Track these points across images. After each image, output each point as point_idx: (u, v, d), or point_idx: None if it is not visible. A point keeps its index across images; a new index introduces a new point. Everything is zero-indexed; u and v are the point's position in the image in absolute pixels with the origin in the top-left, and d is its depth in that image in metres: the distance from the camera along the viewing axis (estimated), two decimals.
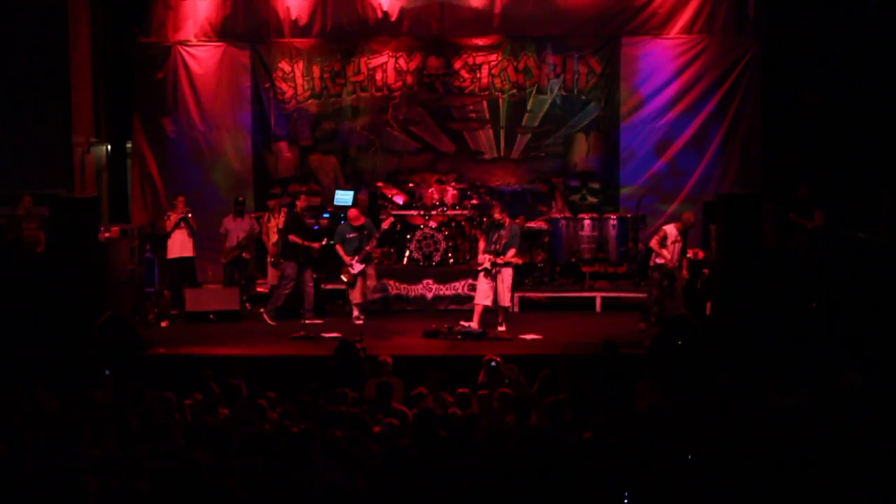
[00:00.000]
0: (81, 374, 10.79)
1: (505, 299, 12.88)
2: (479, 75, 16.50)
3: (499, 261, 12.72)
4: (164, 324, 13.91)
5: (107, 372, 10.51)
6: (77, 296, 12.09)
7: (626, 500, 6.31)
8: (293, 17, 16.43)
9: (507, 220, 13.02)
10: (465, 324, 12.71)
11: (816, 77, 15.64)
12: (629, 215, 15.09)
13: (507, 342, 12.30)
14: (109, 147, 17.21)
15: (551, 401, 8.74)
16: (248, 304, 14.70)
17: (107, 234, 13.49)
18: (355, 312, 13.70)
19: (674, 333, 11.24)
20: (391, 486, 6.65)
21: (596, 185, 16.44)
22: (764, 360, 10.68)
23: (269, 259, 14.61)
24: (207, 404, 9.08)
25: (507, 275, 12.81)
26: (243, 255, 14.80)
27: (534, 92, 16.44)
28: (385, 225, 14.00)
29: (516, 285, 13.61)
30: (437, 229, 14.89)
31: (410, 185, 15.99)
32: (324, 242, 13.89)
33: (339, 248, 13.75)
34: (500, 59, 16.45)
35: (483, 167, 16.58)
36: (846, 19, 15.40)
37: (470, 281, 14.06)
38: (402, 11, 16.31)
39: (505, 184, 16.38)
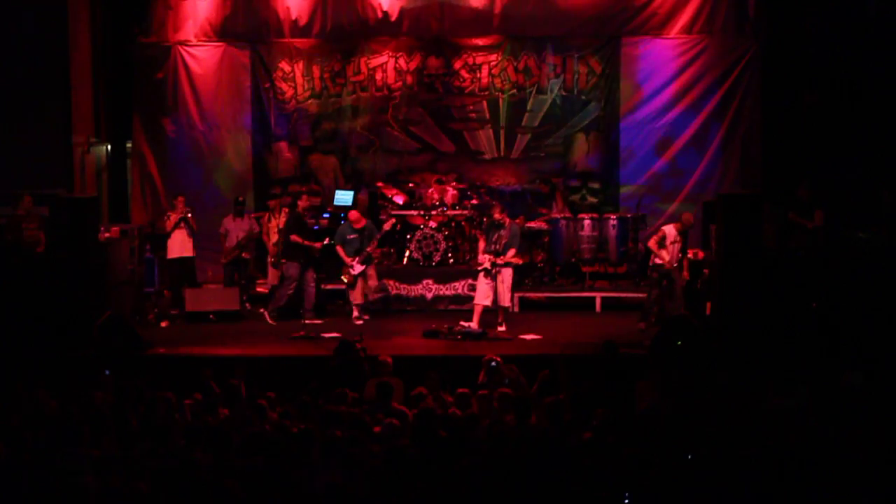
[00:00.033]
0: (81, 374, 10.80)
1: (505, 299, 12.87)
2: (479, 75, 16.49)
3: (499, 261, 12.72)
4: (164, 324, 13.91)
5: (107, 372, 10.51)
6: (77, 296, 12.09)
7: (626, 501, 6.30)
8: (293, 17, 16.43)
9: (507, 220, 13.01)
10: (465, 324, 12.71)
11: (816, 77, 15.64)
12: (629, 215, 15.09)
13: (507, 342, 12.30)
14: (109, 147, 17.21)
15: (551, 401, 8.74)
16: (248, 304, 14.70)
17: (107, 234, 13.49)
18: (355, 313, 13.70)
19: (674, 333, 11.24)
20: (391, 486, 6.64)
21: (596, 185, 16.44)
22: (764, 360, 10.68)
23: (269, 259, 14.61)
24: (207, 404, 9.08)
25: (507, 275, 12.81)
26: (243, 255, 14.81)
27: (534, 92, 16.44)
28: (387, 226, 14.00)
29: (516, 285, 13.61)
30: (437, 229, 14.89)
31: (410, 185, 15.99)
32: (325, 242, 13.89)
33: (339, 249, 13.76)
34: (500, 59, 16.45)
35: (483, 167, 16.58)
36: (846, 19, 15.40)
37: (470, 281, 14.06)
38: (402, 11, 16.31)
39: (505, 184, 16.38)
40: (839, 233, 12.70)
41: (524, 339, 12.51)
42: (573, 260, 15.02)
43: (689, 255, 13.05)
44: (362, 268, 13.64)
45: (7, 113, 15.56)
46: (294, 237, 13.73)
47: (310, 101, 16.75)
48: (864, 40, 15.14)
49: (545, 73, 16.40)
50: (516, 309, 14.22)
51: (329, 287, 14.42)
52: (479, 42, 16.44)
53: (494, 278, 12.72)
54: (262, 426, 8.11)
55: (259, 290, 15.17)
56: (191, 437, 7.81)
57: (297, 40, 16.56)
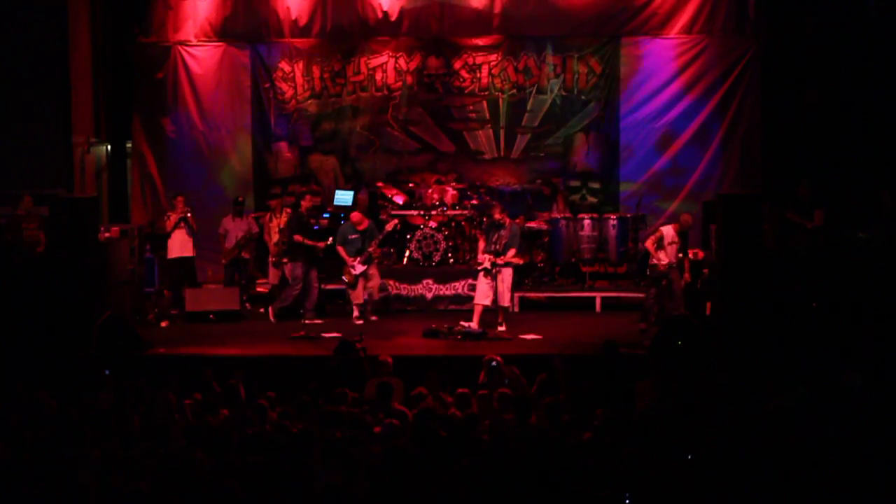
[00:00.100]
0: (81, 374, 10.80)
1: (504, 299, 12.87)
2: (479, 75, 16.50)
3: (499, 261, 12.72)
4: (164, 324, 13.91)
5: (107, 372, 10.51)
6: (77, 296, 12.09)
7: (626, 501, 6.30)
8: (293, 17, 16.44)
9: (507, 221, 13.01)
10: (465, 324, 12.71)
11: (816, 77, 15.64)
12: (629, 215, 15.09)
13: (507, 342, 12.30)
14: (109, 147, 17.21)
15: (549, 401, 8.74)
16: (248, 304, 14.71)
17: (107, 234, 13.50)
18: (356, 313, 13.70)
19: (674, 333, 11.25)
20: (391, 486, 6.64)
21: (596, 185, 16.45)
22: (764, 360, 10.67)
23: (270, 259, 14.61)
24: (208, 404, 9.09)
25: (506, 275, 12.81)
26: (243, 254, 14.81)
27: (534, 92, 16.44)
28: (388, 227, 14.01)
29: (516, 285, 13.62)
30: (437, 229, 14.89)
31: (410, 185, 15.99)
32: (328, 242, 13.90)
33: (340, 249, 13.76)
34: (500, 59, 16.45)
35: (483, 167, 16.58)
36: (846, 19, 15.40)
37: (470, 281, 14.06)
38: (402, 11, 16.32)
39: (505, 184, 16.38)
40: (839, 233, 12.69)
41: (524, 339, 12.51)
42: (573, 260, 15.02)
43: (690, 255, 13.05)
44: (363, 268, 13.64)
45: (7, 113, 15.56)
46: (297, 237, 13.75)
47: (310, 101, 16.75)
48: (864, 40, 15.14)
49: (545, 73, 16.40)
50: (516, 309, 14.22)
51: (329, 287, 14.42)
52: (479, 42, 16.45)
53: (494, 278, 12.73)
54: (263, 426, 8.12)
55: (259, 290, 15.18)
56: (191, 438, 7.81)
57: (297, 40, 16.56)
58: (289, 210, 14.48)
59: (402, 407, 8.92)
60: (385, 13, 16.30)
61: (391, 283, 14.56)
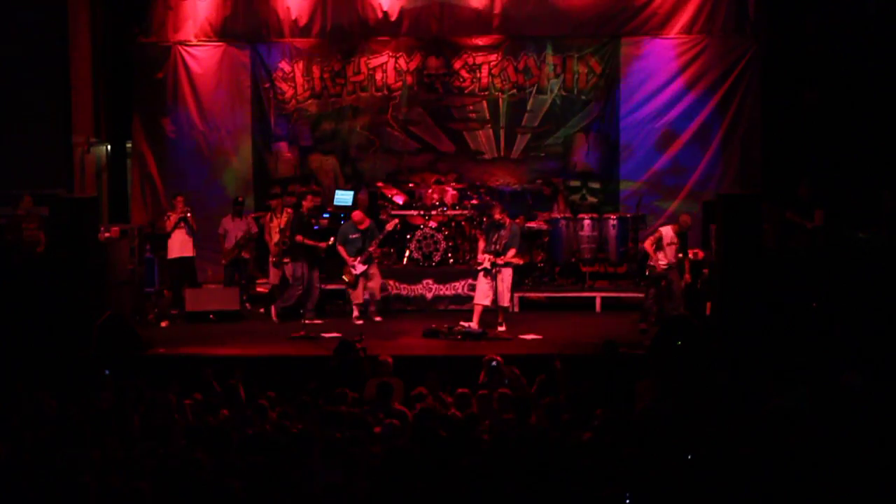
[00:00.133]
0: (81, 374, 10.80)
1: (504, 299, 12.87)
2: (479, 75, 16.50)
3: (499, 261, 12.72)
4: (164, 324, 13.91)
5: (107, 372, 10.51)
6: (77, 296, 12.09)
7: (626, 501, 6.30)
8: (293, 17, 16.43)
9: (508, 221, 13.01)
10: (465, 324, 12.71)
11: (817, 76, 15.64)
12: (629, 215, 15.09)
13: (507, 342, 12.30)
14: (109, 147, 17.21)
15: (549, 401, 8.74)
16: (248, 304, 14.71)
17: (107, 234, 13.50)
18: (356, 312, 13.70)
19: (674, 333, 11.25)
20: (391, 486, 6.64)
21: (596, 185, 16.45)
22: (764, 360, 10.67)
23: (270, 259, 14.61)
24: (208, 404, 9.09)
25: (506, 275, 12.81)
26: (242, 254, 14.81)
27: (534, 92, 16.44)
28: (389, 227, 14.01)
29: (516, 285, 13.62)
30: (437, 229, 14.89)
31: (410, 185, 15.99)
32: (330, 242, 13.91)
33: (340, 249, 13.76)
34: (500, 59, 16.45)
35: (483, 167, 16.58)
36: (846, 19, 15.40)
37: (470, 281, 14.06)
38: (402, 11, 16.31)
39: (505, 184, 16.38)
40: (839, 233, 12.68)
41: (524, 339, 12.51)
42: (573, 260, 15.02)
43: (690, 256, 13.05)
44: (364, 267, 13.64)
45: (7, 113, 15.56)
46: (299, 237, 13.76)
47: (310, 101, 16.75)
48: (864, 39, 15.14)
49: (545, 73, 16.40)
50: (516, 309, 14.22)
51: (329, 287, 14.42)
52: (479, 42, 16.44)
53: (494, 278, 12.73)
54: (263, 426, 8.12)
55: (259, 290, 15.17)
56: (191, 437, 7.81)
57: (297, 40, 16.56)
58: (289, 210, 14.48)
59: (402, 407, 8.92)
60: (385, 13, 16.29)
61: (391, 283, 14.55)
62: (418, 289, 14.64)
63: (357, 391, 9.57)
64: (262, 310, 14.54)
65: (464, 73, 16.51)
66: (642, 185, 16.09)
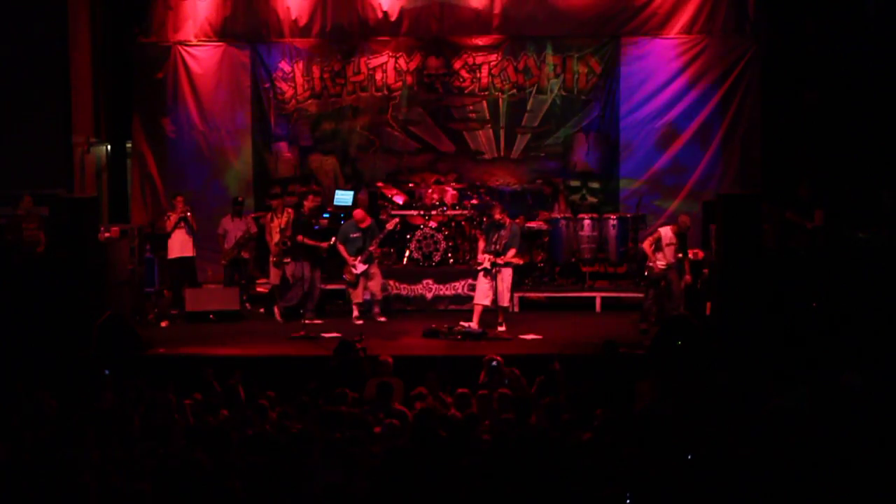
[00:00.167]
0: (81, 374, 10.80)
1: (504, 299, 12.87)
2: (479, 75, 16.49)
3: (499, 261, 12.72)
4: (164, 324, 13.92)
5: (106, 372, 10.51)
6: (77, 296, 12.09)
7: (627, 501, 6.30)
8: (293, 17, 16.43)
9: (508, 221, 13.02)
10: (465, 324, 12.71)
11: (816, 77, 15.63)
12: (629, 215, 15.09)
13: (507, 342, 12.30)
14: (109, 147, 17.21)
15: (549, 401, 8.74)
16: (248, 304, 14.71)
17: (107, 234, 13.50)
18: (356, 312, 13.70)
19: (674, 333, 11.25)
20: (391, 486, 6.64)
21: (596, 185, 16.44)
22: (764, 360, 10.67)
23: (271, 259, 14.60)
24: (208, 404, 9.09)
25: (506, 275, 12.81)
26: (242, 254, 14.81)
27: (534, 92, 16.44)
28: (389, 226, 14.01)
29: (516, 285, 13.62)
30: (437, 229, 14.89)
31: (410, 185, 15.99)
32: (331, 242, 13.92)
33: (340, 248, 13.76)
34: (500, 59, 16.45)
35: (483, 167, 16.58)
36: (846, 19, 15.40)
37: (470, 281, 14.06)
38: (402, 11, 16.31)
39: (505, 184, 16.38)
40: (839, 233, 12.69)
41: (524, 339, 12.52)
42: (573, 260, 15.02)
43: (690, 256, 13.05)
44: (364, 267, 13.65)
45: (7, 113, 15.55)
46: (300, 237, 13.77)
47: (310, 101, 16.75)
48: (863, 40, 15.14)
49: (545, 73, 16.40)
50: (516, 309, 14.22)
51: (329, 287, 14.42)
52: (479, 42, 16.44)
53: (494, 278, 12.73)
54: (263, 426, 8.12)
55: (259, 290, 15.17)
56: (191, 437, 7.81)
57: (297, 40, 16.55)
58: (290, 210, 14.48)
59: (402, 407, 8.92)
60: (385, 13, 16.29)
61: (391, 283, 14.55)
62: (418, 289, 14.64)
63: (357, 391, 9.56)
64: (262, 310, 14.55)
65: (464, 73, 16.51)
66: (642, 185, 16.09)
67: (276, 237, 14.33)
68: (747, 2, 15.88)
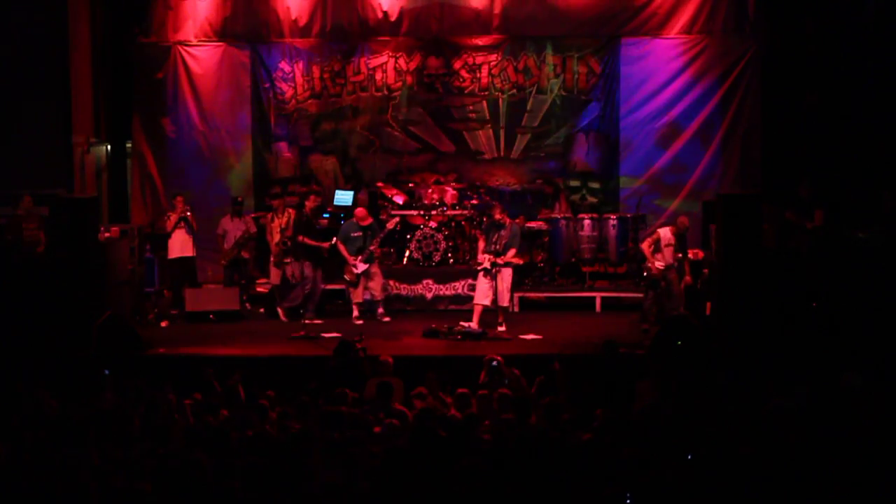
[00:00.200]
0: (81, 374, 10.80)
1: (504, 299, 12.87)
2: (479, 75, 16.50)
3: (499, 261, 12.72)
4: (164, 324, 13.92)
5: (106, 372, 10.51)
6: (77, 296, 12.09)
7: (627, 501, 6.30)
8: (293, 17, 16.43)
9: (508, 221, 13.02)
10: (465, 324, 12.72)
11: (816, 77, 15.64)
12: (629, 215, 15.10)
13: (507, 342, 12.30)
14: (109, 147, 17.21)
15: (547, 401, 8.74)
16: (248, 304, 14.71)
17: (107, 234, 13.50)
18: (356, 312, 13.70)
19: (674, 333, 11.24)
20: (391, 486, 6.64)
21: (596, 185, 16.44)
22: (764, 360, 10.68)
23: (272, 258, 14.60)
24: (208, 404, 9.09)
25: (506, 275, 12.82)
26: (242, 254, 14.81)
27: (534, 92, 16.44)
28: (390, 225, 14.01)
29: (516, 285, 13.62)
30: (437, 229, 14.89)
31: (410, 185, 15.99)
32: (332, 242, 13.92)
33: (340, 247, 13.76)
34: (499, 59, 16.45)
35: (483, 167, 16.58)
36: (846, 19, 15.40)
37: (470, 281, 14.06)
38: (402, 11, 16.31)
39: (505, 184, 16.39)
40: (839, 233, 12.68)
41: (524, 339, 12.52)
42: (573, 260, 15.02)
43: (690, 256, 13.05)
44: (365, 266, 13.65)
45: (7, 113, 15.56)
46: (301, 238, 13.78)
47: (310, 101, 16.74)
48: (863, 40, 15.14)
49: (545, 73, 16.40)
50: (516, 309, 14.22)
51: (329, 287, 14.42)
52: (479, 42, 16.44)
53: (494, 278, 12.73)
54: (263, 426, 8.11)
55: (259, 289, 15.17)
56: (191, 438, 7.81)
57: (297, 40, 16.55)
58: (291, 210, 14.49)
59: (402, 407, 8.92)
60: (385, 13, 16.30)
61: (391, 283, 14.55)
62: (418, 289, 14.65)
63: (357, 391, 9.56)
64: (262, 310, 14.55)
65: (464, 73, 16.51)
66: (643, 184, 16.10)
67: (277, 237, 14.34)
68: (747, 2, 15.88)
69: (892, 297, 11.32)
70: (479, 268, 12.97)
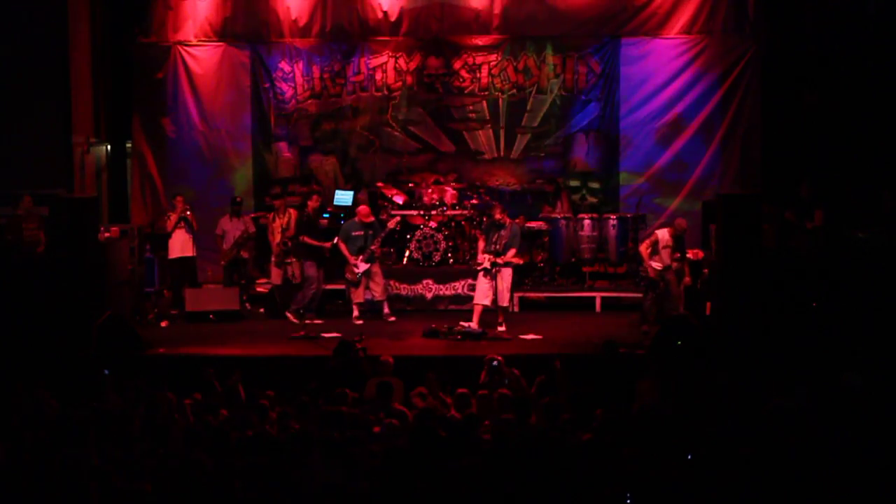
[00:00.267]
0: (81, 374, 10.80)
1: (504, 299, 12.87)
2: (479, 75, 16.50)
3: (499, 261, 12.72)
4: (164, 324, 13.91)
5: (106, 372, 10.52)
6: (77, 296, 12.08)
7: (627, 501, 6.31)
8: (293, 18, 16.43)
9: (508, 221, 13.02)
10: (465, 324, 12.72)
11: (816, 77, 15.64)
12: (629, 215, 15.10)
13: (507, 342, 12.30)
14: (109, 147, 17.21)
15: (548, 401, 8.74)
16: (248, 304, 14.71)
17: (107, 234, 13.50)
18: (356, 312, 13.70)
19: (674, 333, 11.24)
20: (391, 486, 6.64)
21: (596, 185, 16.44)
22: (764, 360, 10.67)
23: (273, 258, 14.60)
24: (208, 404, 9.09)
25: (506, 275, 12.82)
26: (241, 254, 14.81)
27: (534, 92, 16.44)
28: (391, 224, 14.01)
29: (516, 285, 13.61)
30: (437, 229, 14.89)
31: (410, 185, 15.98)
32: (334, 242, 13.92)
33: (341, 246, 13.75)
34: (499, 59, 16.45)
35: (483, 167, 16.58)
36: (846, 19, 15.40)
37: (470, 281, 14.06)
38: (402, 11, 16.31)
39: (505, 184, 16.39)
40: (839, 233, 12.69)
41: (524, 339, 12.52)
42: (573, 260, 15.03)
43: (690, 256, 13.05)
44: (366, 266, 13.64)
45: (7, 113, 15.55)
46: (304, 238, 13.78)
47: (310, 101, 16.74)
48: (863, 40, 15.14)
49: (545, 73, 16.40)
50: (516, 309, 14.22)
51: (329, 287, 14.42)
52: (479, 42, 16.44)
53: (494, 278, 12.73)
54: (263, 426, 8.12)
55: (259, 289, 15.17)
56: (191, 437, 7.81)
57: (297, 40, 16.55)
58: (292, 210, 14.50)
59: (402, 407, 8.92)
60: (385, 13, 16.30)
61: (391, 283, 14.55)
62: (418, 289, 14.64)
63: (357, 391, 9.56)
64: (262, 310, 14.55)
65: (464, 73, 16.51)
66: (643, 182, 16.09)
67: (279, 237, 14.34)
68: (747, 2, 15.88)
69: (892, 297, 11.31)
70: (479, 268, 12.97)
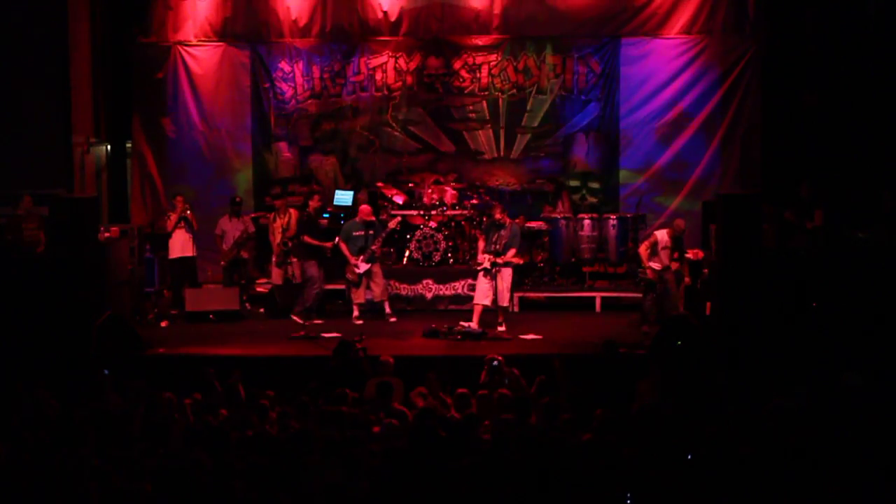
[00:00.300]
0: (81, 374, 10.80)
1: (504, 299, 12.87)
2: (478, 75, 16.50)
3: (499, 261, 12.72)
4: (164, 324, 13.91)
5: (106, 372, 10.52)
6: (77, 296, 12.07)
7: (627, 501, 6.31)
8: (293, 18, 16.43)
9: (508, 221, 13.02)
10: (465, 324, 12.72)
11: (816, 77, 15.64)
12: (629, 215, 15.10)
13: (507, 342, 12.30)
14: (109, 147, 17.21)
15: (547, 401, 8.74)
16: (248, 304, 14.71)
17: (107, 234, 13.50)
18: (356, 312, 13.70)
19: (674, 333, 11.25)
20: (391, 486, 6.64)
21: (596, 185, 16.44)
22: (764, 359, 10.67)
23: (273, 258, 14.59)
24: (208, 404, 9.09)
25: (506, 275, 12.82)
26: (241, 254, 14.81)
27: (534, 92, 16.44)
28: (392, 224, 14.01)
29: (516, 285, 13.61)
30: (437, 229, 14.89)
31: (410, 185, 15.98)
32: (335, 242, 13.93)
33: (342, 246, 13.75)
34: (499, 59, 16.45)
35: (483, 167, 16.58)
36: (846, 19, 15.40)
37: (470, 281, 14.06)
38: (402, 11, 16.31)
39: (505, 184, 16.40)
40: (839, 233, 12.69)
41: (524, 339, 12.52)
42: (573, 260, 15.03)
43: (689, 256, 13.05)
44: (367, 266, 13.64)
45: (7, 113, 15.56)
46: (305, 237, 13.78)
47: (310, 101, 16.74)
48: (863, 40, 15.14)
49: (545, 73, 16.40)
50: (516, 309, 14.22)
51: (329, 287, 14.42)
52: (479, 42, 16.44)
53: (494, 278, 12.73)
54: (263, 426, 8.12)
55: (259, 289, 15.17)
56: (191, 438, 7.81)
57: (297, 40, 16.55)
58: (293, 210, 14.50)
59: (402, 407, 8.92)
60: (385, 13, 16.30)
61: (391, 283, 14.55)
62: (418, 289, 14.64)
63: (357, 391, 9.56)
64: (262, 310, 14.55)
65: (464, 73, 16.51)
66: (643, 183, 16.10)
67: (279, 237, 14.34)
68: (747, 2, 15.88)
69: (892, 297, 11.31)
70: (479, 268, 12.97)
